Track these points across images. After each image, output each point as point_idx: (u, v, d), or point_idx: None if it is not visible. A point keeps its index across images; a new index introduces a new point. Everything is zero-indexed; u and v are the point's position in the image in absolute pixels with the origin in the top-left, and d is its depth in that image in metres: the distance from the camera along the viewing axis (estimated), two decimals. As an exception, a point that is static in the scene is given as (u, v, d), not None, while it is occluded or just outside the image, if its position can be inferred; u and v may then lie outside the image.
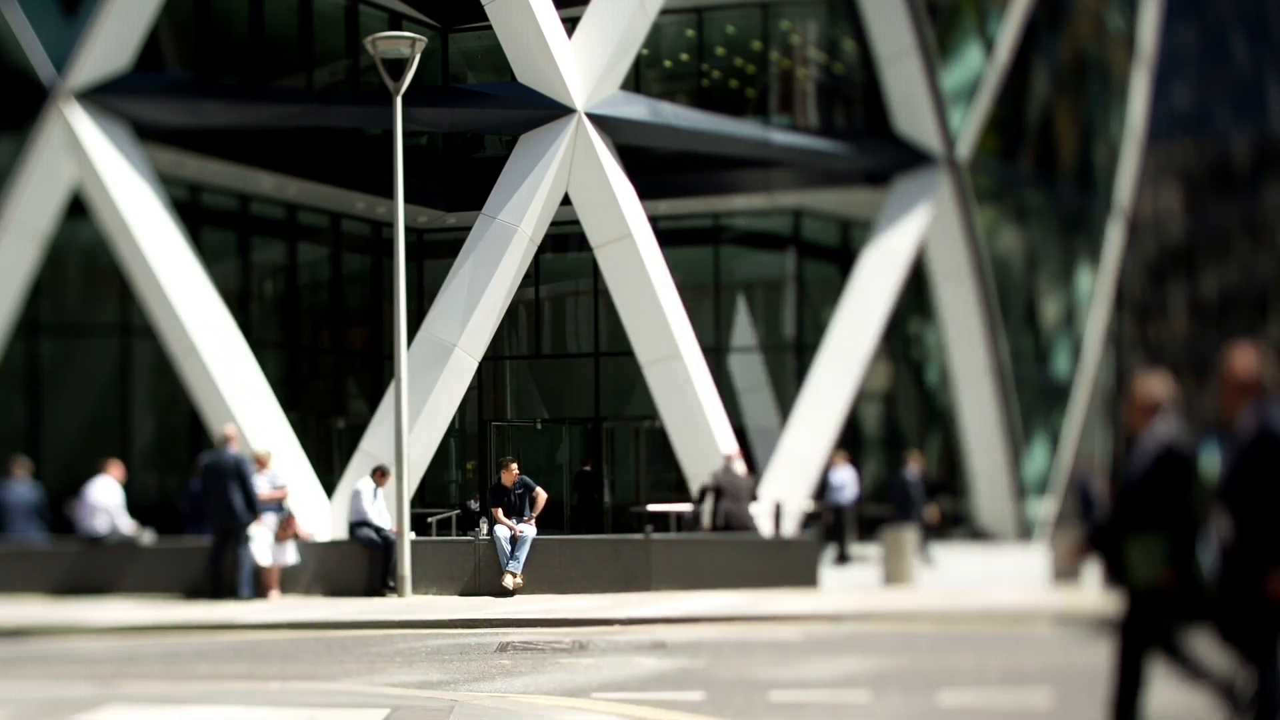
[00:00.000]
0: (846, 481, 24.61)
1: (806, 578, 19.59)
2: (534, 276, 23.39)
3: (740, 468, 21.59)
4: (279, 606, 18.38)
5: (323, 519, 21.49)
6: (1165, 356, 71.64)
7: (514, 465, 19.60)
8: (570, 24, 22.25)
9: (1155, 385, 8.06)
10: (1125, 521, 8.20)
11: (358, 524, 19.73)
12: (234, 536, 19.27)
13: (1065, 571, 19.22)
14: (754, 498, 21.54)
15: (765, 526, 22.55)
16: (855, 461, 25.47)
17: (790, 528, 22.99)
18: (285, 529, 19.62)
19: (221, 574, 19.28)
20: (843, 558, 24.07)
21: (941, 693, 10.89)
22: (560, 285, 26.12)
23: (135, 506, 21.35)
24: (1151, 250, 71.27)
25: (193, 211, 23.96)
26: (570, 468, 25.71)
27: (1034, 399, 30.75)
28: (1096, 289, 34.20)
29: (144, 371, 24.64)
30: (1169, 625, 8.00)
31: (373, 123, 23.25)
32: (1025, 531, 28.78)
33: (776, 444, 24.98)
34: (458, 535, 21.51)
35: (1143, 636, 8.00)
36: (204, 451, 20.96)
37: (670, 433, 22.99)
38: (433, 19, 24.02)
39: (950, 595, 18.38)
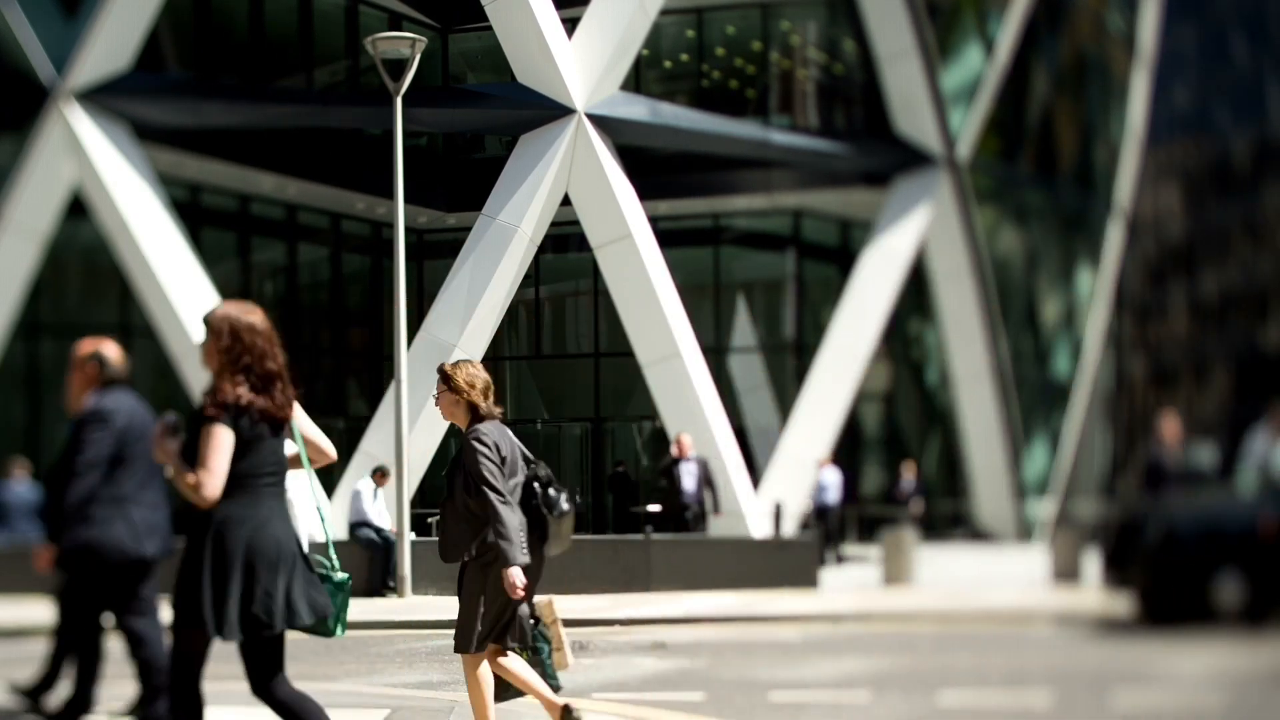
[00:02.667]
0: (831, 483, 24.65)
1: (806, 578, 19.60)
2: (534, 276, 23.38)
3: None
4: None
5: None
6: (1165, 356, 71.66)
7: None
8: (570, 24, 22.24)
9: (88, 346, 8.47)
10: None
11: (358, 524, 19.74)
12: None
13: (1065, 571, 19.24)
14: None
15: (765, 527, 22.58)
16: (838, 463, 25.39)
17: (790, 528, 23.00)
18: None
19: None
20: (838, 558, 24.07)
21: (941, 693, 10.89)
22: (560, 285, 26.12)
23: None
24: (1151, 250, 71.24)
25: (193, 211, 23.96)
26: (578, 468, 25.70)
27: (1034, 399, 30.75)
28: (1096, 289, 34.20)
29: (144, 372, 24.62)
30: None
31: (373, 123, 23.24)
32: (1025, 531, 28.78)
33: (776, 444, 24.97)
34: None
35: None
36: None
37: (670, 433, 22.98)
38: (433, 19, 24.01)
39: (950, 595, 18.38)
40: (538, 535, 7.91)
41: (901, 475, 27.35)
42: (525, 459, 8.02)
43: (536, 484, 7.94)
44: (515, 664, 8.07)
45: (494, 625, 7.92)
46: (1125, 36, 36.53)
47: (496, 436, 7.83)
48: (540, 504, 7.92)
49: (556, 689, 8.25)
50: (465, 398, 7.88)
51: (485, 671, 8.00)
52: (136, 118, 22.16)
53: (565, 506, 7.98)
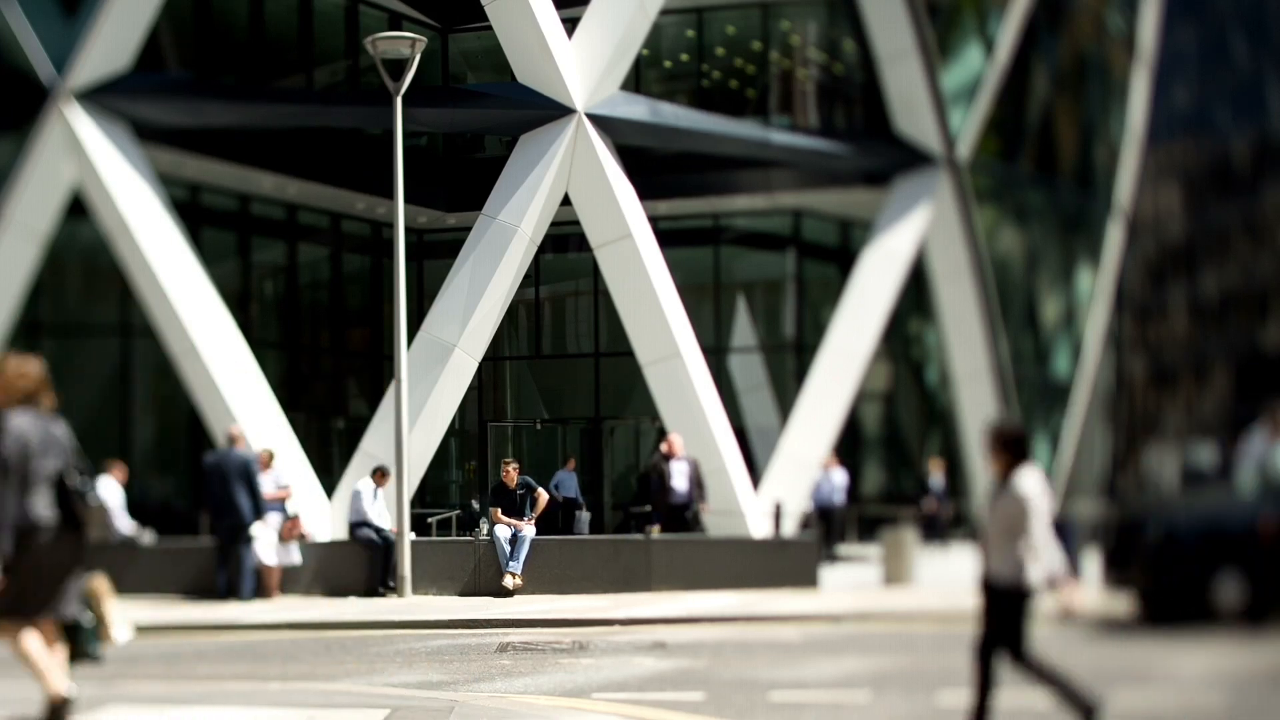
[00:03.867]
0: (838, 484, 24.63)
1: (806, 578, 19.60)
2: (534, 276, 23.39)
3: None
4: (279, 606, 18.38)
5: (323, 519, 21.50)
6: (1165, 356, 71.62)
7: (512, 466, 19.69)
8: (570, 24, 22.24)
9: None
10: None
11: (358, 524, 19.75)
12: (239, 537, 19.30)
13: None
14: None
15: (765, 527, 22.58)
16: (843, 462, 25.40)
17: (790, 528, 23.00)
18: (290, 529, 19.65)
19: (229, 575, 19.31)
20: (832, 558, 24.06)
21: (941, 693, 10.89)
22: (560, 285, 26.12)
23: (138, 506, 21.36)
24: (1151, 250, 71.23)
25: (193, 211, 23.96)
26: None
27: (1034, 399, 30.74)
28: (1096, 289, 34.19)
29: (144, 372, 24.63)
30: None
31: (373, 123, 23.24)
32: (1025, 532, 28.72)
33: (776, 444, 24.97)
34: (458, 535, 21.55)
35: None
36: (208, 451, 20.97)
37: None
38: (433, 19, 24.02)
39: (950, 595, 18.38)
40: (71, 521, 8.76)
41: (930, 474, 27.35)
42: (65, 450, 8.79)
43: (65, 475, 8.74)
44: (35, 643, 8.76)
45: (16, 600, 8.62)
46: (1125, 36, 36.51)
47: (25, 426, 8.56)
48: (71, 493, 8.76)
49: (99, 658, 9.35)
50: (15, 390, 8.64)
51: (37, 643, 8.71)
52: (136, 118, 22.15)
53: (88, 497, 8.90)
